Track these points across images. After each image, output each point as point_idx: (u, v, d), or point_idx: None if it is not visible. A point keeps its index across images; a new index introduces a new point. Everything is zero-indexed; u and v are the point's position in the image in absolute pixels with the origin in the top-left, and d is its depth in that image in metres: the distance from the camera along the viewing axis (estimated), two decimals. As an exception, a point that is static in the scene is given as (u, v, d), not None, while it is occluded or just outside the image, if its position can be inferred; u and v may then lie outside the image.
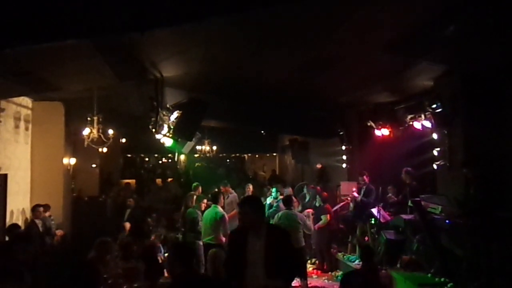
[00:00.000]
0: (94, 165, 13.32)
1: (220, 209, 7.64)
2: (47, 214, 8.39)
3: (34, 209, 8.19)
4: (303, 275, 7.49)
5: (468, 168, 6.27)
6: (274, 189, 9.82)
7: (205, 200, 8.23)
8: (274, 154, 19.65)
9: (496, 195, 6.00)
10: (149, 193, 14.28)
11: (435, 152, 7.48)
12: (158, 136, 7.07)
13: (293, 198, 7.96)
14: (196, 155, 16.68)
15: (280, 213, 7.53)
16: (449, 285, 5.84)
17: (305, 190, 10.49)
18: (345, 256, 8.91)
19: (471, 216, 5.81)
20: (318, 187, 10.14)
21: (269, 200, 9.53)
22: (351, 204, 9.09)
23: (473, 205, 5.89)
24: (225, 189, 9.83)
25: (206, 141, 15.26)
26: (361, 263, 5.40)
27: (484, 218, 5.65)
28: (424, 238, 6.61)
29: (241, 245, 3.70)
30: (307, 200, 10.07)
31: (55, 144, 9.49)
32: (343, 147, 10.99)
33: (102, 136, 8.60)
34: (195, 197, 8.43)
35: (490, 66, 6.22)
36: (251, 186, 10.35)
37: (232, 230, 4.53)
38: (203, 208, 8.08)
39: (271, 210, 9.02)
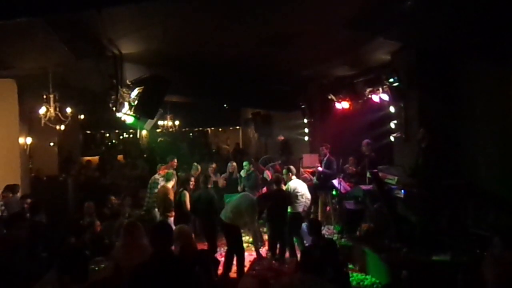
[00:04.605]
0: (52, 143, 12.86)
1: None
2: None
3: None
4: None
5: (421, 139, 6.58)
6: (246, 162, 9.72)
7: (192, 178, 8.00)
8: (238, 127, 19.68)
9: (448, 164, 6.38)
10: (111, 171, 14.02)
11: (392, 125, 7.79)
12: (119, 115, 6.94)
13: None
14: (158, 130, 16.44)
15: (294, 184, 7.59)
16: (404, 250, 6.22)
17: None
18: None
19: (421, 184, 6.18)
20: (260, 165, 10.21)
21: (243, 174, 9.49)
22: (314, 178, 9.33)
23: (421, 175, 6.25)
24: (171, 163, 9.00)
25: (168, 116, 15.04)
26: (311, 236, 5.59)
27: (433, 186, 6.03)
28: (382, 207, 6.96)
29: None
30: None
31: (8, 123, 9.08)
32: (305, 120, 11.19)
33: (59, 114, 8.33)
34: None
35: (443, 41, 6.47)
36: (214, 165, 9.92)
37: None
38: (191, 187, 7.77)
39: (250, 182, 9.21)
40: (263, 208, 7.13)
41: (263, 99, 11.76)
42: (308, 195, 7.68)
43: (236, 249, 6.86)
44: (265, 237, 8.35)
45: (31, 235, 4.94)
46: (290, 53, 7.86)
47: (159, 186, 8.26)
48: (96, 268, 4.83)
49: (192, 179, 7.97)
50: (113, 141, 22.49)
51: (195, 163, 9.55)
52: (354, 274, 6.59)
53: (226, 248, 7.09)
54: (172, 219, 7.54)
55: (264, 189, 8.84)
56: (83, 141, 17.67)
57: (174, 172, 8.53)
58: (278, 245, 7.21)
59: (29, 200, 7.25)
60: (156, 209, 8.12)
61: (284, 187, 7.43)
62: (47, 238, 5.38)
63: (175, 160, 9.19)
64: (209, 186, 7.70)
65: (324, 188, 9.09)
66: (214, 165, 9.88)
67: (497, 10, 4.89)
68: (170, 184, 7.96)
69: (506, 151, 5.97)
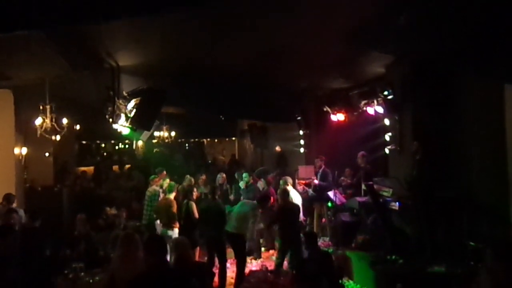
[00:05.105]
0: (47, 154, 12.84)
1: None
2: None
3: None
4: None
5: (416, 151, 6.63)
6: (246, 174, 9.53)
7: (195, 189, 7.90)
8: (233, 138, 19.73)
9: (442, 176, 6.43)
10: (107, 181, 13.96)
11: (386, 137, 7.84)
12: (115, 126, 6.95)
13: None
14: (154, 141, 16.46)
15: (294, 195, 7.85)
16: (399, 262, 6.23)
17: (237, 176, 10.17)
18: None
19: (416, 196, 6.22)
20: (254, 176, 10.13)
21: (242, 185, 9.39)
22: (310, 190, 9.33)
23: (416, 186, 6.29)
24: (162, 175, 8.94)
25: (164, 127, 15.06)
26: (307, 249, 5.60)
27: (427, 198, 6.06)
28: (377, 219, 6.98)
29: None
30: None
31: (4, 133, 9.06)
32: (301, 132, 11.24)
33: (55, 125, 8.32)
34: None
35: (437, 54, 6.56)
36: (203, 177, 9.78)
37: None
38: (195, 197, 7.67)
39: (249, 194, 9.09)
40: (274, 222, 7.25)
41: (259, 111, 11.84)
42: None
43: (238, 260, 6.86)
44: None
45: (24, 244, 4.87)
46: (286, 66, 7.92)
47: (159, 198, 8.21)
48: (91, 281, 4.80)
49: (195, 189, 7.90)
50: (109, 151, 22.37)
51: (188, 175, 9.43)
52: (350, 286, 6.58)
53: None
54: (176, 230, 7.44)
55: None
56: (78, 151, 17.63)
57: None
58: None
59: (15, 215, 6.14)
60: (158, 221, 7.99)
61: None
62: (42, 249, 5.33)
63: (164, 172, 9.12)
64: (216, 197, 7.60)
65: (319, 200, 9.10)
66: (203, 177, 9.71)
67: (490, 23, 4.99)
68: (172, 196, 7.82)
69: (500, 163, 6.02)
